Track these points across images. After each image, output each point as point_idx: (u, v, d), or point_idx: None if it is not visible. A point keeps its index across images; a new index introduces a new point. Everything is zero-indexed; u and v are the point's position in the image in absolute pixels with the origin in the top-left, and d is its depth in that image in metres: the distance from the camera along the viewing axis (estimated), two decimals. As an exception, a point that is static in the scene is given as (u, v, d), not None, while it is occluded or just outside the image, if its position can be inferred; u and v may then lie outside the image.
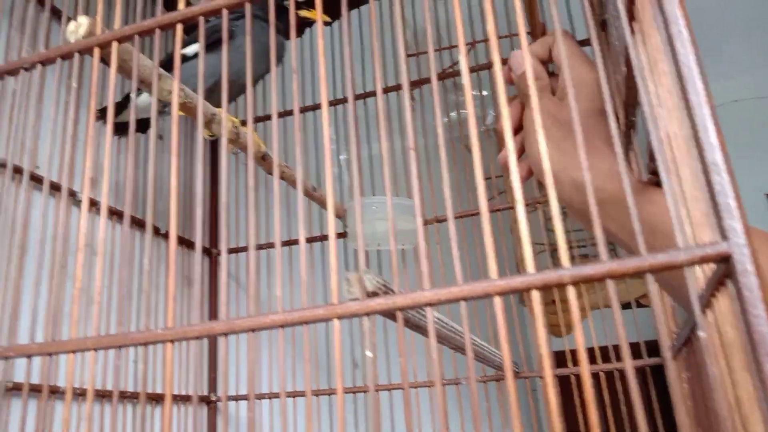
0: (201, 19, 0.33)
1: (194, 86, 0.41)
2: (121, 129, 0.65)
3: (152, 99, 0.34)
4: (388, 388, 0.73)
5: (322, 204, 0.71)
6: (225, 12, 0.33)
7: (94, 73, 0.35)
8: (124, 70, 0.39)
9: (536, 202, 0.87)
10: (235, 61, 0.56)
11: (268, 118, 0.89)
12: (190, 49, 0.65)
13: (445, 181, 0.32)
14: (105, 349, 0.28)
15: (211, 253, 0.86)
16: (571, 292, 0.24)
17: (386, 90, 0.88)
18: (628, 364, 0.22)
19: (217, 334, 0.27)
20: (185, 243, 0.81)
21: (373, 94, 0.88)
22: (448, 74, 0.85)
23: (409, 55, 1.23)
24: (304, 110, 0.88)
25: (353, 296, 0.27)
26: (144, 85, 0.41)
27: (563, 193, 0.43)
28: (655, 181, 0.41)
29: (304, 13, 0.72)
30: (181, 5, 0.34)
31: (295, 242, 0.79)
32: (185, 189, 0.84)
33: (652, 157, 0.39)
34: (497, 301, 0.25)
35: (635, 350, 0.72)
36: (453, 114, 0.90)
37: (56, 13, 0.65)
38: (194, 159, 0.85)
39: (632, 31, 0.35)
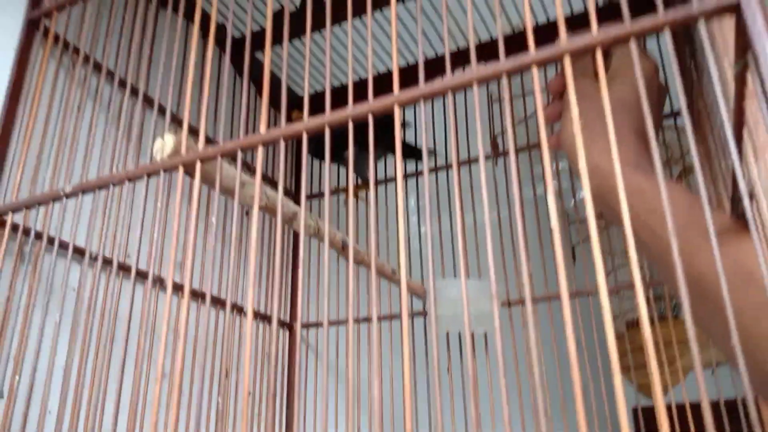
0: (282, 142, 0.33)
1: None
2: None
3: (234, 208, 0.34)
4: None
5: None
6: (305, 135, 0.33)
7: (179, 190, 0.36)
8: (207, 182, 0.39)
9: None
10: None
11: (342, 190, 0.90)
12: None
13: (523, 264, 0.30)
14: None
15: (291, 327, 0.87)
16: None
17: (463, 163, 0.87)
18: None
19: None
20: (265, 318, 0.81)
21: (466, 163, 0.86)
22: (532, 145, 0.83)
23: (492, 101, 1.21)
24: (379, 183, 0.88)
25: None
26: (228, 194, 0.42)
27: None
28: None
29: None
30: (262, 128, 0.34)
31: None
32: (269, 268, 0.85)
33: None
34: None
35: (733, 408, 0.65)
36: (539, 187, 0.87)
37: (150, 102, 0.69)
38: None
39: (740, 138, 0.32)
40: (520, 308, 0.72)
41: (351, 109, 0.30)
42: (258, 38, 0.79)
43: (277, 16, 0.76)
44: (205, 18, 0.74)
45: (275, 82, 0.94)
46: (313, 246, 0.95)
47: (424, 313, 0.76)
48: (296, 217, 0.49)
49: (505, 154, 0.83)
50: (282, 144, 0.33)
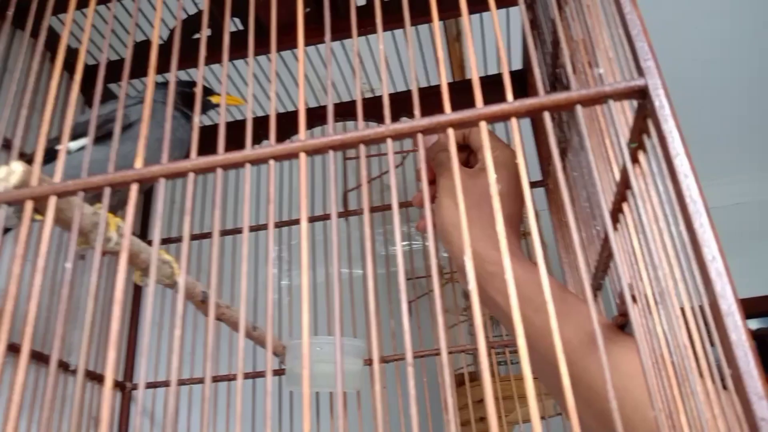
0: (162, 181, 0.29)
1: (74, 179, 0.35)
2: None
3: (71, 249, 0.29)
4: None
5: (261, 344, 0.65)
6: (191, 176, 0.29)
7: (24, 228, 0.30)
8: (61, 221, 0.34)
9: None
10: (130, 153, 0.48)
11: (204, 236, 0.84)
12: (74, 144, 0.58)
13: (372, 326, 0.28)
14: None
15: (124, 387, 0.77)
16: None
17: (312, 219, 0.85)
18: None
19: None
20: (96, 378, 0.71)
21: (320, 219, 0.85)
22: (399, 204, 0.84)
23: (346, 159, 1.22)
24: (226, 233, 0.83)
25: None
26: (82, 235, 0.36)
27: (459, 257, 0.45)
28: (621, 323, 0.40)
29: (216, 99, 0.69)
30: (138, 163, 0.30)
31: (226, 378, 0.72)
32: (103, 317, 0.75)
33: (623, 300, 0.38)
34: None
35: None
36: (404, 244, 0.88)
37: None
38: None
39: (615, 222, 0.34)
40: (381, 366, 0.70)
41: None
42: (115, 68, 0.73)
43: (143, 47, 0.71)
44: (55, 38, 0.67)
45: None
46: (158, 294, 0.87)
47: (281, 372, 0.72)
48: (159, 265, 0.43)
49: (358, 212, 0.83)
50: (162, 182, 0.29)
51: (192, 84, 0.67)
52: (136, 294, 0.83)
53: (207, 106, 0.71)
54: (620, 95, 0.25)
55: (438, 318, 0.23)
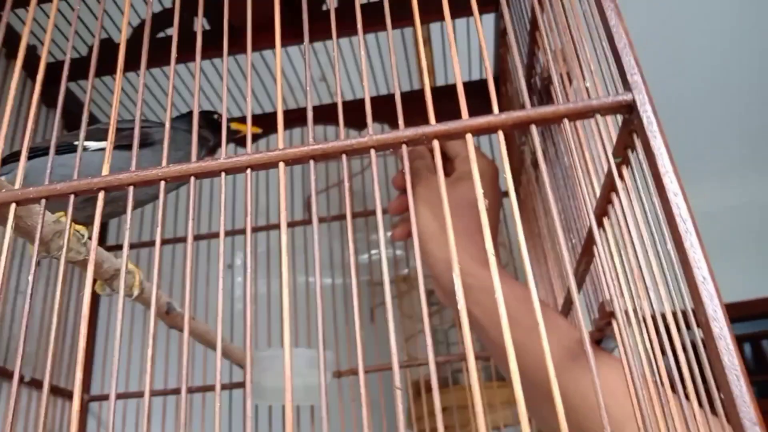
0: (130, 189, 0.28)
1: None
2: None
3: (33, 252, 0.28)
4: None
5: (227, 356, 0.63)
6: (162, 185, 0.28)
7: (-21, 237, 0.28)
8: (20, 229, 0.32)
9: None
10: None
11: (179, 240, 0.81)
12: (94, 144, 0.56)
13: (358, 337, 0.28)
14: None
15: (81, 399, 0.74)
16: None
17: (271, 227, 0.84)
18: None
19: None
20: (54, 390, 0.68)
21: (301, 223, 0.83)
22: (369, 212, 0.83)
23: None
24: (199, 239, 0.81)
25: None
26: (42, 244, 0.34)
27: (435, 267, 0.44)
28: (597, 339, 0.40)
29: (235, 125, 0.69)
30: (105, 169, 0.28)
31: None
32: (59, 327, 0.72)
33: (602, 315, 0.38)
34: None
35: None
36: (374, 253, 0.87)
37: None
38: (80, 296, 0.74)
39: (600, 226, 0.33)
40: (350, 379, 0.69)
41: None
42: (78, 67, 0.70)
43: (105, 45, 0.68)
44: (14, 37, 0.64)
45: (94, 119, 0.83)
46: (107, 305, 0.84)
47: (240, 384, 0.70)
48: (118, 275, 0.41)
49: (326, 219, 0.82)
50: (130, 191, 0.28)
51: (214, 113, 0.68)
52: (93, 303, 0.80)
53: (230, 134, 0.71)
54: (607, 110, 0.24)
55: (426, 336, 0.22)
